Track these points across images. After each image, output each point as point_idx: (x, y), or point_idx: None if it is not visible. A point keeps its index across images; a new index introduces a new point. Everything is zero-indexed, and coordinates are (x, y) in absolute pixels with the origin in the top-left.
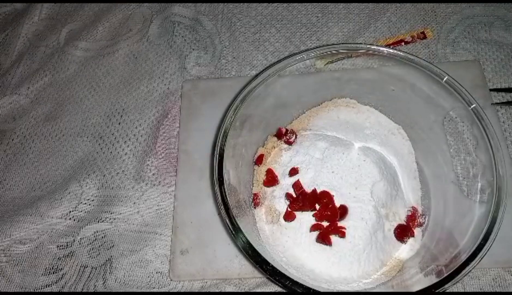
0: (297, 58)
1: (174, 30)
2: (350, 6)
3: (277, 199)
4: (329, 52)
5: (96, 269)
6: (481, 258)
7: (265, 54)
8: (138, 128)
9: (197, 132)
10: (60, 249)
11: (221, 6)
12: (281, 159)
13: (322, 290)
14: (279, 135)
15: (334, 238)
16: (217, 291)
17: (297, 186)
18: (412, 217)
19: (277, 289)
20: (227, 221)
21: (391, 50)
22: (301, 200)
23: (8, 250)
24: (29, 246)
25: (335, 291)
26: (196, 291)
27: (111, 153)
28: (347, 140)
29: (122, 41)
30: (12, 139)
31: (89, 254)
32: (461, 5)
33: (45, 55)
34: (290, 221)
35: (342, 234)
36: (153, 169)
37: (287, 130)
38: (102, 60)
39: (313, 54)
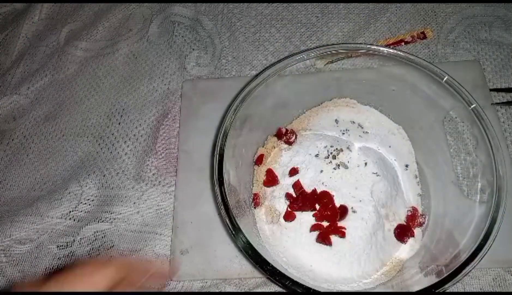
0: (297, 58)
1: (174, 30)
2: (350, 6)
3: (277, 199)
4: (329, 52)
5: None
6: (481, 258)
7: (265, 54)
8: (138, 128)
9: (197, 132)
10: (60, 249)
11: (221, 6)
12: (281, 159)
13: (322, 290)
14: (279, 135)
15: (334, 238)
16: (217, 291)
17: (297, 186)
18: (412, 217)
19: (277, 289)
20: (227, 221)
21: (391, 50)
22: (301, 200)
23: (8, 250)
24: (29, 246)
25: (335, 291)
26: (196, 291)
27: (111, 153)
28: (347, 140)
29: (122, 41)
30: (12, 140)
31: (89, 254)
32: (461, 5)
33: (45, 55)
34: (290, 221)
35: (342, 234)
36: (153, 169)
37: (287, 130)
38: (102, 60)
39: (313, 54)
